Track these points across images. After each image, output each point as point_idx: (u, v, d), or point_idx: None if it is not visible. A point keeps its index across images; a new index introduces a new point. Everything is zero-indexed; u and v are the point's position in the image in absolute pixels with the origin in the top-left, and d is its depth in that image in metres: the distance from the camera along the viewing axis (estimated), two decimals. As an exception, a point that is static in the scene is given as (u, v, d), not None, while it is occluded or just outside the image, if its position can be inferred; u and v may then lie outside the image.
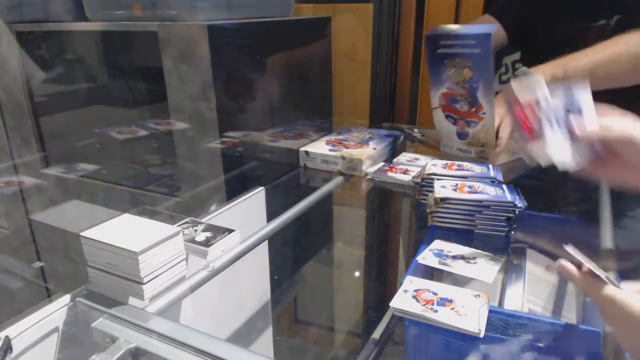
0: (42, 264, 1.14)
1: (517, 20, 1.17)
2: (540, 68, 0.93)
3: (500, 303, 0.67)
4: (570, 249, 0.52)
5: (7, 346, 0.49)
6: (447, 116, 1.03)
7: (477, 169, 0.90)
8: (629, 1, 0.95)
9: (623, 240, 0.78)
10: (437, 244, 0.71)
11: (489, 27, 0.92)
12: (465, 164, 0.92)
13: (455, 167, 0.91)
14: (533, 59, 1.09)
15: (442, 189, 0.80)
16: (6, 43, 1.08)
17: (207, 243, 0.66)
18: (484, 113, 0.97)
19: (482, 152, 1.00)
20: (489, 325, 0.53)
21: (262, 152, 1.05)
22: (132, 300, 0.57)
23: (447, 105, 1.02)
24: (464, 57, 0.94)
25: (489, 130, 0.98)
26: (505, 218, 0.75)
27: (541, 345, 0.53)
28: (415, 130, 1.32)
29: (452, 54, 0.97)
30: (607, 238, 0.72)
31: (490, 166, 0.91)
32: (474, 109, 0.98)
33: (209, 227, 0.70)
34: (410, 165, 1.06)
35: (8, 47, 1.08)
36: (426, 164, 0.93)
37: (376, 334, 0.60)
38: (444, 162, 0.94)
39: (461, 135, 1.02)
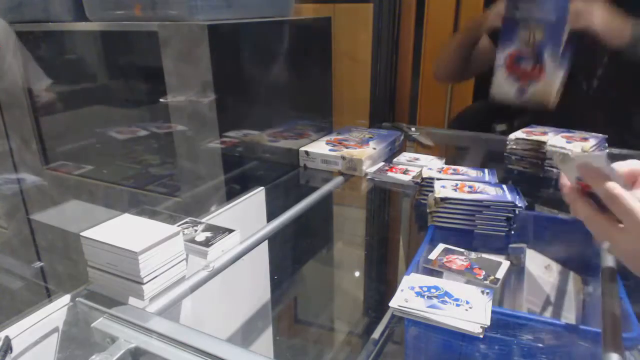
0: (42, 264, 1.14)
1: None
2: None
3: (500, 303, 0.67)
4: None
5: (7, 346, 0.49)
6: (509, 76, 1.10)
7: (473, 173, 0.90)
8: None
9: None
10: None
11: None
12: (461, 169, 0.92)
13: (450, 171, 0.91)
14: None
15: (442, 189, 0.80)
16: (8, 43, 1.08)
17: (207, 243, 0.66)
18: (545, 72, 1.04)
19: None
20: (489, 325, 0.53)
21: (262, 152, 1.05)
22: (132, 300, 0.57)
23: (512, 64, 1.09)
24: (539, 22, 1.04)
25: (549, 90, 1.04)
26: (505, 218, 0.75)
27: (541, 345, 0.53)
28: (413, 129, 1.32)
29: (527, 18, 1.06)
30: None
31: (486, 171, 0.91)
32: (536, 68, 1.05)
33: (209, 227, 0.70)
34: (410, 165, 1.06)
35: (8, 47, 1.08)
36: (421, 169, 0.93)
37: (376, 334, 0.61)
38: (439, 166, 0.94)
39: (520, 93, 1.09)
